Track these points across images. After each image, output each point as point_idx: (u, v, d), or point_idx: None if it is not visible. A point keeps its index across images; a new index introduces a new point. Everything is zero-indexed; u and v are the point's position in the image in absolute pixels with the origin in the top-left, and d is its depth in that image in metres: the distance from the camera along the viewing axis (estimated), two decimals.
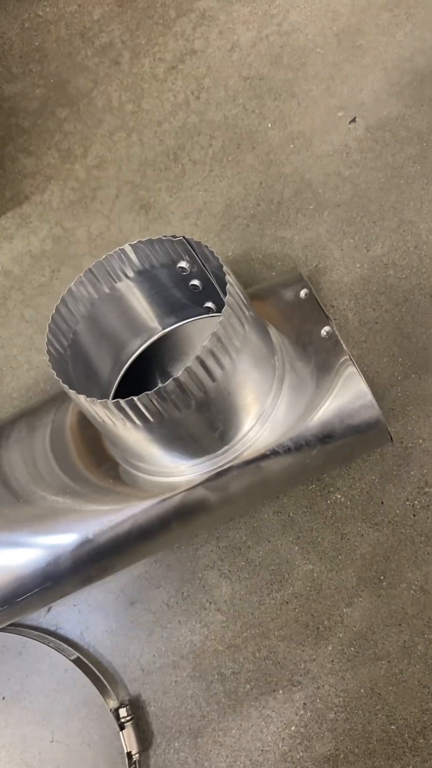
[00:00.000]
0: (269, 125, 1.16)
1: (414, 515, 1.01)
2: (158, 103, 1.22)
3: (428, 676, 0.97)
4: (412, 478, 1.02)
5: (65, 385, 0.73)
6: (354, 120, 1.13)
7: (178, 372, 0.68)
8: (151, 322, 0.96)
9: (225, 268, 0.74)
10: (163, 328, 0.98)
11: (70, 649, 1.08)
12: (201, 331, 1.01)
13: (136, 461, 0.84)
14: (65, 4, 1.28)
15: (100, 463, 0.90)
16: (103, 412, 0.72)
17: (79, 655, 1.07)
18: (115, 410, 0.70)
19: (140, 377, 1.01)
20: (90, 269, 0.83)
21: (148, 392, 0.68)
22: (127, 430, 0.75)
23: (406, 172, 1.10)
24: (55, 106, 1.27)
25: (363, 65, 1.15)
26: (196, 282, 0.90)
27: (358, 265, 1.09)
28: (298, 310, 0.89)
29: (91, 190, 1.22)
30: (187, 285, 0.90)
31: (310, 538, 1.04)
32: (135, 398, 0.68)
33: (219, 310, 0.95)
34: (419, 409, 1.03)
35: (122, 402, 0.69)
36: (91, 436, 0.92)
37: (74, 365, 0.84)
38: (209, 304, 0.95)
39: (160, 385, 0.68)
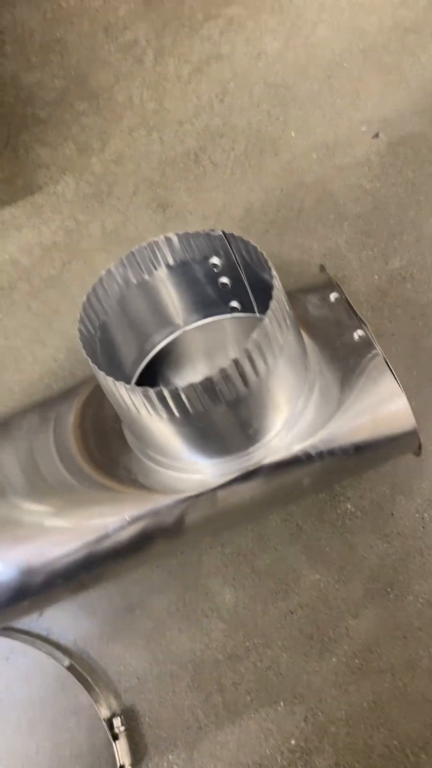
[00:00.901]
0: (293, 133, 1.17)
1: (423, 527, 1.01)
2: (181, 104, 1.21)
3: None
4: (423, 491, 1.02)
5: (101, 372, 0.70)
6: (377, 135, 1.15)
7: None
8: (176, 318, 0.94)
9: (269, 263, 0.73)
10: (185, 325, 0.97)
11: (62, 655, 1.03)
12: (220, 332, 0.99)
13: (160, 456, 0.82)
14: None
15: (114, 459, 0.87)
16: (141, 402, 0.69)
17: (71, 661, 1.03)
18: (156, 400, 0.68)
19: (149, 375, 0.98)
20: (125, 257, 0.81)
21: (193, 383, 0.66)
22: (161, 422, 0.72)
23: (426, 189, 1.12)
24: (73, 99, 1.25)
25: (387, 82, 1.17)
26: (225, 280, 0.89)
27: (376, 277, 1.10)
28: (328, 315, 0.88)
29: (107, 185, 1.20)
30: (216, 282, 0.89)
31: (317, 548, 1.02)
32: (179, 388, 0.66)
33: (244, 309, 0.94)
34: None
35: (165, 391, 0.66)
36: (100, 432, 0.89)
37: (101, 350, 0.82)
38: (234, 304, 0.94)
39: (192, 382, 0.65)
